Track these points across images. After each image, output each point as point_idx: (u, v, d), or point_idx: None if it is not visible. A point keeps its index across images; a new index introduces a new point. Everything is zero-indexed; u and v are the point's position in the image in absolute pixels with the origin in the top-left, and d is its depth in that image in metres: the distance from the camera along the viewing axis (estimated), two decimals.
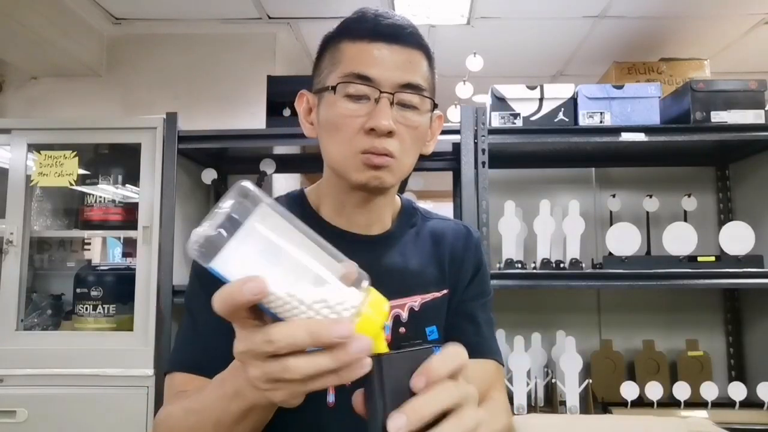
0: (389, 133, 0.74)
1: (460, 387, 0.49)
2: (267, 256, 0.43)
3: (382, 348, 0.48)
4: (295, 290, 0.43)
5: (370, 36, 0.77)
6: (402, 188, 2.11)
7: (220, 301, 0.44)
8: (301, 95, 0.84)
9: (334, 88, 0.76)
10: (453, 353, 0.50)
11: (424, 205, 0.99)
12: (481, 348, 0.85)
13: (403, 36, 0.77)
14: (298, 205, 0.87)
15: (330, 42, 0.81)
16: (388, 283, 0.80)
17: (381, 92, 0.75)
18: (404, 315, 0.81)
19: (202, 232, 0.42)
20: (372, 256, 0.82)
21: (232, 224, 0.42)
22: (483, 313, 0.88)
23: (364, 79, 0.75)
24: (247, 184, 0.44)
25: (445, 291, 0.85)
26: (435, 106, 0.81)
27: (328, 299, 0.44)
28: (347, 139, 0.76)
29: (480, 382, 0.81)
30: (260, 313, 0.45)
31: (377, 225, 0.85)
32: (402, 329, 0.80)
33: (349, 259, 0.48)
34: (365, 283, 0.47)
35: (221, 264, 0.43)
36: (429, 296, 0.84)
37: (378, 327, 0.47)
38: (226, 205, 0.43)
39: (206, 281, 0.80)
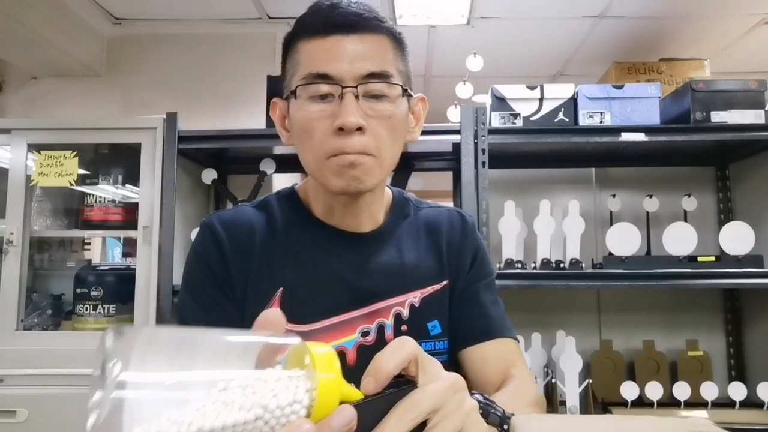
0: (359, 129, 0.71)
1: (427, 393, 0.45)
2: (175, 401, 0.35)
3: (352, 395, 0.42)
4: (228, 420, 0.35)
5: (324, 30, 0.73)
6: (402, 188, 2.11)
7: None
8: (273, 104, 0.82)
9: (295, 92, 0.73)
10: (397, 345, 0.46)
11: None
12: (491, 329, 0.84)
13: (360, 23, 0.73)
14: (289, 204, 0.85)
15: (289, 43, 0.78)
16: (386, 281, 0.81)
17: (343, 88, 0.71)
18: (405, 312, 0.80)
19: (91, 421, 0.33)
20: (367, 255, 0.82)
21: (117, 388, 0.33)
22: (488, 294, 0.87)
23: (324, 78, 0.72)
24: (111, 331, 0.35)
25: (444, 282, 0.84)
26: (405, 91, 0.76)
27: (270, 405, 0.36)
28: (318, 143, 0.73)
29: (497, 363, 0.81)
30: None
31: (368, 222, 0.83)
32: (404, 327, 0.80)
33: (275, 322, 0.42)
34: (301, 350, 0.40)
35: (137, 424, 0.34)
36: (429, 290, 0.83)
37: (338, 387, 0.40)
38: (99, 374, 0.34)
39: (209, 259, 0.79)
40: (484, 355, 0.81)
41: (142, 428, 0.33)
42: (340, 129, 0.71)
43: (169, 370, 0.36)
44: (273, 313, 0.43)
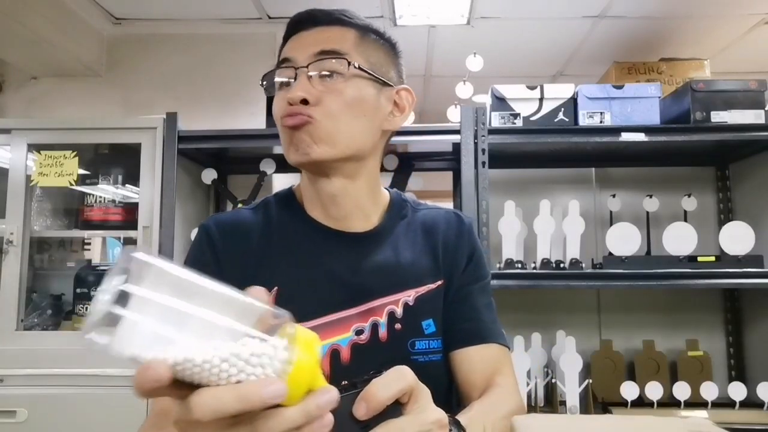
0: (305, 102, 0.76)
1: (413, 421, 0.48)
2: (168, 323, 0.38)
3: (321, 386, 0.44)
4: (207, 355, 0.38)
5: (293, 29, 0.83)
6: (402, 188, 2.11)
7: (135, 388, 0.39)
8: None
9: (263, 83, 0.82)
10: (395, 376, 0.48)
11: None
12: (481, 333, 0.83)
13: (322, 18, 0.81)
14: (286, 204, 0.87)
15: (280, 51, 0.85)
16: (380, 280, 0.81)
17: (296, 69, 0.78)
18: (399, 311, 0.80)
19: (91, 319, 0.37)
20: (362, 253, 0.82)
21: (121, 301, 0.37)
22: (482, 297, 0.87)
23: (283, 61, 0.80)
24: (133, 252, 0.39)
25: (439, 282, 0.84)
26: (351, 65, 0.78)
27: (251, 354, 0.39)
28: (279, 123, 0.79)
29: (484, 368, 0.81)
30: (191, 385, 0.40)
31: (357, 218, 0.84)
32: (398, 325, 0.80)
33: (262, 299, 0.44)
34: (289, 325, 0.42)
35: (119, 346, 0.38)
36: (423, 289, 0.83)
37: (314, 369, 0.42)
38: (112, 282, 0.38)
39: (204, 260, 0.81)
40: (472, 358, 0.81)
41: (124, 334, 0.37)
42: (290, 105, 0.76)
43: (173, 300, 0.39)
44: (258, 290, 0.45)
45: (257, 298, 0.43)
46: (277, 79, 0.80)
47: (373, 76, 0.80)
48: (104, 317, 0.37)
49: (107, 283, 0.38)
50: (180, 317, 0.39)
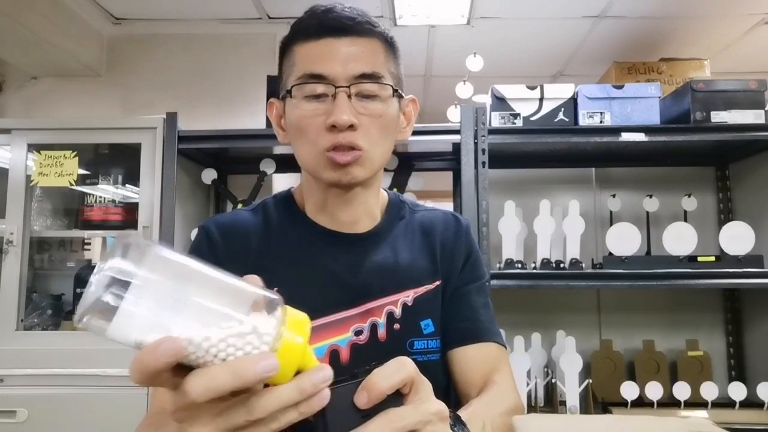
0: (351, 127, 0.74)
1: (414, 411, 0.48)
2: (166, 307, 0.39)
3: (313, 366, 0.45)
4: (204, 335, 0.39)
5: (317, 33, 0.77)
6: (402, 188, 2.11)
7: (135, 371, 0.39)
8: (270, 104, 0.85)
9: (290, 92, 0.77)
10: (396, 366, 0.48)
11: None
12: (478, 332, 0.84)
13: (352, 27, 0.77)
14: (285, 206, 0.87)
15: (285, 46, 0.81)
16: (379, 280, 0.81)
17: (336, 87, 0.75)
18: (398, 311, 0.81)
19: (88, 301, 0.37)
20: (360, 254, 0.83)
21: (119, 284, 0.37)
22: (478, 297, 0.87)
23: (318, 78, 0.76)
24: (129, 238, 0.40)
25: (437, 282, 0.85)
26: (395, 91, 0.79)
27: (243, 334, 0.40)
28: (312, 140, 0.76)
29: (481, 367, 0.81)
30: (184, 369, 0.40)
31: (365, 221, 0.85)
32: (396, 326, 0.80)
33: (256, 285, 0.45)
34: (279, 307, 0.44)
35: (118, 329, 0.38)
36: (422, 289, 0.83)
37: (304, 349, 0.43)
38: (109, 264, 0.38)
39: (204, 260, 0.81)
40: (469, 357, 0.82)
41: (123, 317, 0.38)
42: (333, 126, 0.74)
43: (170, 286, 0.40)
44: (251, 277, 0.46)
45: (250, 283, 0.44)
46: (314, 92, 0.76)
47: (400, 94, 0.81)
48: (100, 302, 0.37)
49: (102, 266, 0.38)
50: (177, 301, 0.39)
